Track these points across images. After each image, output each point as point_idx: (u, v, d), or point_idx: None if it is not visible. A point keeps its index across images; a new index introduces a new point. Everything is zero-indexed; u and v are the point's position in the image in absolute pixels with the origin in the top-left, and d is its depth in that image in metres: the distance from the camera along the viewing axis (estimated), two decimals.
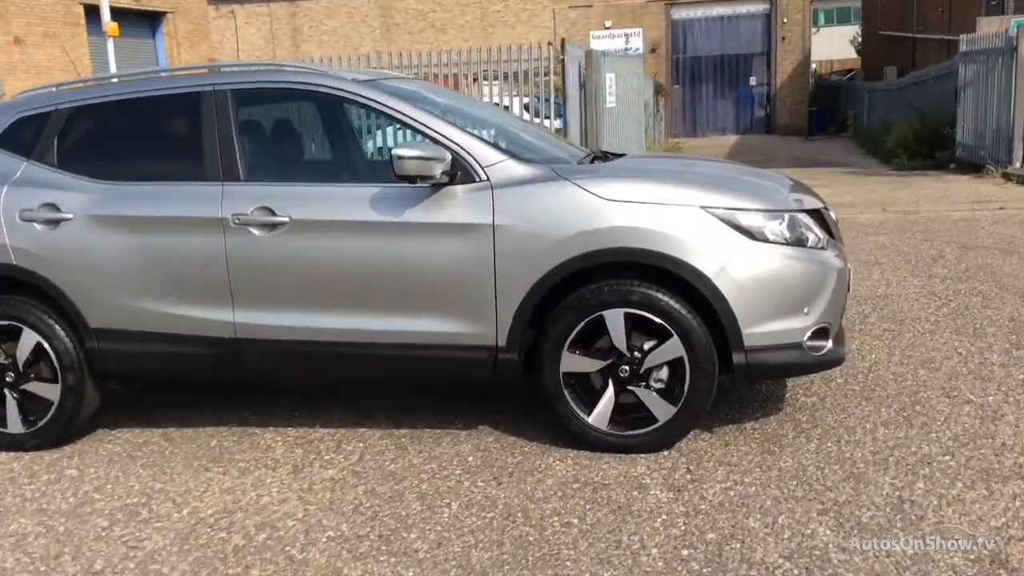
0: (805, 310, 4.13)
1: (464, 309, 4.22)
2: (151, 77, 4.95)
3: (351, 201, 4.28)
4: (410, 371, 4.46)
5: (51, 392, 4.66)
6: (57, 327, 4.60)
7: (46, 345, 4.62)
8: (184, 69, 4.98)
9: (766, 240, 4.10)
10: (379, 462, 4.31)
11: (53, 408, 4.66)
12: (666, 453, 4.20)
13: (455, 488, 3.98)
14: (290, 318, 4.39)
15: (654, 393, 4.16)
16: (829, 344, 4.25)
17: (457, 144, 4.24)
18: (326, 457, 4.41)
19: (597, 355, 4.18)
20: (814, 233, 4.27)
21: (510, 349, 4.21)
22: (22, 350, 4.65)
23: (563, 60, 15.83)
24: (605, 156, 5.34)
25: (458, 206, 4.19)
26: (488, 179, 4.20)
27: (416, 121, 4.34)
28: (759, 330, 4.07)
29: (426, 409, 4.89)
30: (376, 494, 3.97)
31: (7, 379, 4.68)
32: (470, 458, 4.29)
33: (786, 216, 4.19)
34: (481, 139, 4.35)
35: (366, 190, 4.26)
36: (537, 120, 15.94)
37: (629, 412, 4.20)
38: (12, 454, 4.69)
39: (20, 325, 4.63)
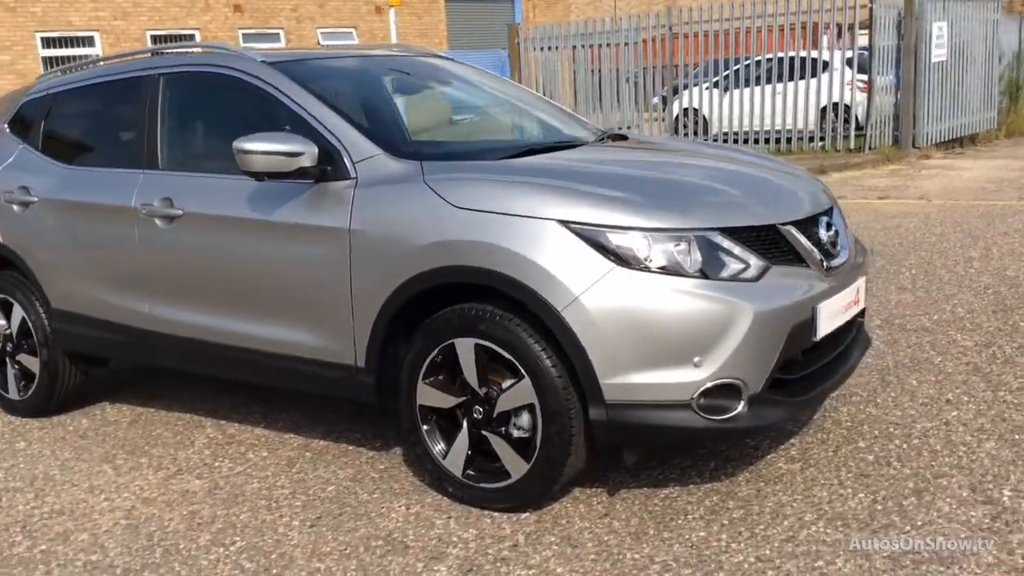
0: (695, 360, 3.16)
1: (325, 323, 3.78)
2: (113, 63, 4.95)
3: (235, 195, 3.98)
4: (289, 383, 4.10)
5: (34, 365, 4.90)
6: (36, 304, 4.80)
7: (28, 321, 4.84)
8: (136, 53, 4.94)
9: (642, 267, 3.18)
10: (245, 483, 4.01)
11: (35, 380, 4.89)
12: (525, 515, 3.47)
13: (269, 523, 3.59)
14: (187, 314, 4.22)
15: (506, 443, 3.44)
16: (740, 407, 3.24)
17: (334, 135, 3.76)
18: (220, 465, 4.22)
19: (453, 390, 3.53)
20: (736, 261, 3.26)
21: (368, 371, 3.69)
22: (14, 323, 4.94)
23: (870, 7, 13.97)
24: (603, 139, 4.54)
25: (320, 206, 3.74)
26: (356, 176, 3.68)
27: (297, 105, 3.90)
28: (625, 381, 3.20)
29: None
30: (198, 518, 3.70)
31: (8, 348, 4.99)
32: (327, 489, 3.86)
33: (688, 237, 3.22)
34: (364, 129, 3.80)
35: (248, 184, 3.91)
36: (862, 77, 14.32)
37: (488, 460, 3.53)
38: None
39: (12, 300, 4.89)
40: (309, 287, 3.79)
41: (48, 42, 17.58)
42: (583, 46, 16.06)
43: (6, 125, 5.06)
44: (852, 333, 3.90)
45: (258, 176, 3.69)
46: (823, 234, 3.58)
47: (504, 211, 3.33)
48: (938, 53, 14.47)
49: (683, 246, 3.22)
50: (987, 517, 3.25)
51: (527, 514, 3.48)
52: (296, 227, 3.78)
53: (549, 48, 16.34)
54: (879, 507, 3.37)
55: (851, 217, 9.41)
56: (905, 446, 3.87)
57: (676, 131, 15.89)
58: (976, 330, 5.36)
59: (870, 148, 14.00)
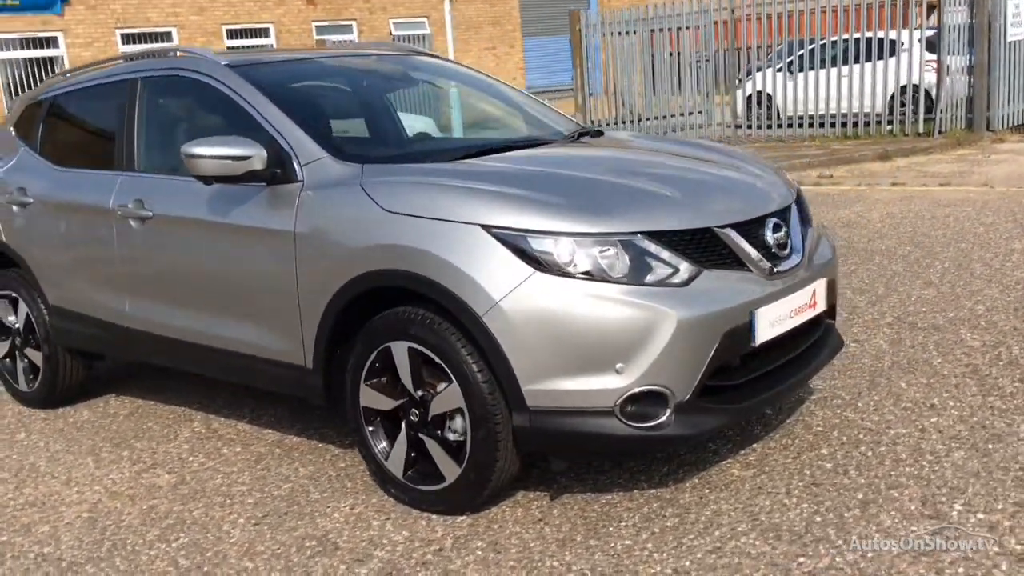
0: (618, 367, 3.12)
1: (277, 324, 3.84)
2: (103, 67, 5.08)
3: (198, 198, 4.05)
4: (250, 381, 4.19)
5: (38, 359, 5.10)
6: (38, 301, 5.00)
7: (32, 317, 5.05)
8: (111, 59, 5.06)
9: (563, 272, 3.14)
10: (210, 479, 4.11)
11: (40, 373, 5.10)
12: (461, 519, 3.48)
13: (217, 520, 3.68)
14: (158, 313, 4.35)
15: (439, 447, 3.45)
16: (666, 415, 3.18)
17: (284, 138, 3.81)
18: (192, 460, 4.33)
19: (392, 392, 3.55)
20: (664, 265, 3.20)
21: (316, 372, 3.74)
22: (20, 319, 5.14)
23: None
24: (574, 137, 4.49)
25: (269, 209, 3.80)
26: (302, 180, 3.72)
27: (253, 109, 3.95)
28: (547, 387, 3.17)
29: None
30: (167, 514, 3.81)
31: (16, 342, 5.21)
32: (283, 487, 3.92)
33: (613, 241, 3.17)
34: (312, 133, 3.83)
35: (210, 187, 3.98)
36: (932, 57, 13.77)
37: (426, 463, 3.54)
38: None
39: (18, 297, 5.10)
40: (262, 289, 3.85)
41: (127, 38, 18.19)
42: (650, 30, 15.82)
43: (12, 127, 5.26)
44: (812, 337, 3.78)
45: (207, 180, 3.76)
46: (769, 236, 3.48)
47: (430, 215, 3.32)
48: (1015, 32, 13.81)
49: (609, 250, 3.17)
50: (927, 533, 3.12)
51: (463, 517, 3.48)
52: (249, 230, 3.85)
53: (613, 33, 16.17)
54: (818, 519, 3.26)
55: (905, 206, 9.12)
56: (869, 454, 3.74)
57: (748, 115, 15.55)
58: (989, 329, 5.13)
59: (940, 132, 13.45)
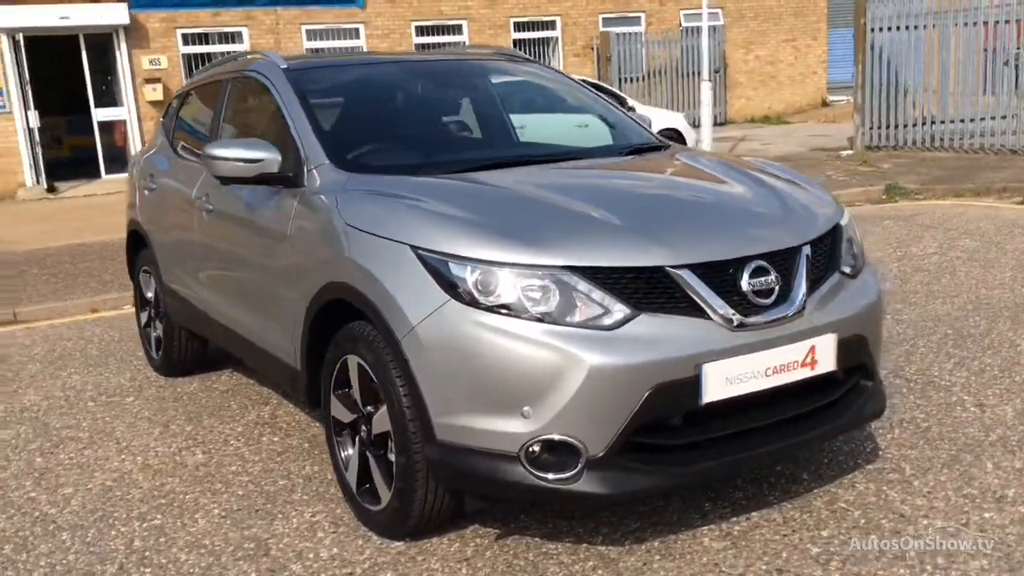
0: (524, 410, 2.89)
1: (280, 323, 3.94)
2: (221, 66, 5.35)
3: (238, 196, 4.24)
4: (271, 376, 4.32)
5: (160, 332, 5.59)
6: (160, 279, 5.47)
7: (157, 292, 5.54)
8: (225, 60, 5.31)
9: (475, 302, 2.95)
10: (229, 464, 4.29)
11: (161, 344, 5.59)
12: (396, 544, 3.40)
13: (197, 507, 3.83)
14: (216, 300, 4.60)
15: (377, 467, 3.39)
16: (575, 470, 2.91)
17: (303, 144, 3.88)
18: (233, 443, 4.54)
19: (351, 406, 3.52)
20: (592, 305, 2.92)
21: (302, 375, 3.80)
22: (148, 291, 5.66)
23: None
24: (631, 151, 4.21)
25: (277, 211, 3.90)
26: (305, 185, 3.78)
27: (288, 112, 4.03)
28: (455, 422, 3.01)
29: None
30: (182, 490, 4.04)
31: (150, 314, 5.74)
32: (278, 483, 4.02)
33: (539, 274, 2.93)
34: (325, 139, 3.86)
35: (249, 186, 4.14)
36: None
37: (371, 482, 3.48)
38: (121, 378, 5.75)
39: (150, 273, 5.62)
40: (270, 288, 3.96)
41: (421, 30, 19.25)
42: (953, 24, 14.24)
43: (162, 118, 5.76)
44: (815, 401, 3.27)
45: (224, 180, 3.91)
46: (745, 281, 3.04)
47: (373, 232, 3.25)
48: None
49: (534, 284, 2.93)
50: None
51: (400, 543, 3.38)
52: (263, 229, 3.97)
53: (904, 27, 14.73)
54: None
55: None
56: (872, 547, 3.19)
57: None
58: None
59: None
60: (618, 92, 14.75)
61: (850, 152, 14.94)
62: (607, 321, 2.90)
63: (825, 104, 24.74)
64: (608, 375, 2.84)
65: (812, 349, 3.13)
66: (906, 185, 11.42)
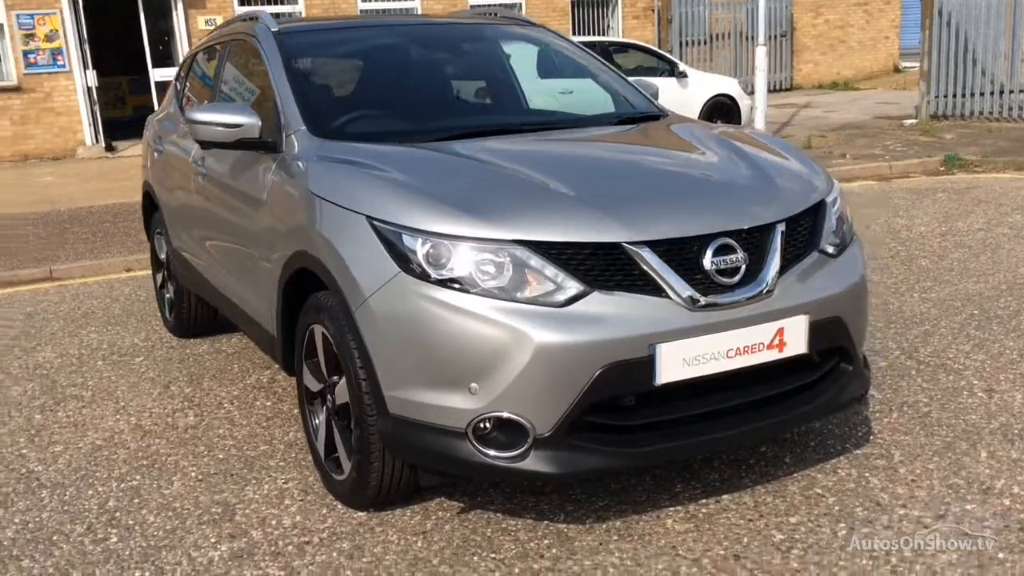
0: (472, 387, 2.84)
1: (259, 289, 3.93)
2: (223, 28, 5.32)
3: (225, 161, 4.23)
4: (255, 341, 4.33)
5: (171, 294, 5.66)
6: (170, 241, 5.52)
7: (168, 254, 5.60)
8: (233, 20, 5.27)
9: (424, 274, 2.90)
10: (217, 428, 4.33)
11: (172, 306, 5.66)
12: (359, 515, 3.39)
13: (176, 470, 3.87)
14: (211, 263, 4.62)
15: (340, 438, 3.37)
16: (523, 448, 2.85)
17: (283, 108, 3.84)
18: (226, 407, 4.58)
19: (319, 375, 3.51)
20: (544, 281, 2.85)
21: (278, 342, 3.80)
22: (161, 253, 5.72)
23: None
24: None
25: (256, 176, 3.89)
26: (283, 151, 3.75)
27: (272, 76, 3.99)
28: (405, 396, 2.97)
29: None
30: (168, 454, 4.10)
31: (164, 276, 5.81)
32: (259, 448, 4.05)
33: (491, 248, 2.87)
34: (304, 104, 3.81)
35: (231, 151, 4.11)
36: None
37: (336, 451, 3.47)
38: (136, 338, 5.83)
39: (162, 234, 5.68)
40: (251, 253, 3.94)
41: None
42: None
43: (175, 80, 5.79)
44: (786, 384, 3.15)
45: (204, 145, 3.89)
46: (708, 260, 2.93)
47: (334, 200, 3.21)
48: None
49: (487, 257, 2.86)
50: None
51: (362, 514, 3.37)
52: (244, 196, 3.96)
53: None
54: None
55: None
56: (837, 535, 3.08)
57: None
58: None
59: None
60: (668, 56, 14.43)
61: (914, 121, 14.45)
62: (558, 298, 2.82)
63: (897, 70, 23.95)
64: (555, 353, 2.77)
65: (780, 331, 3.01)
66: (966, 157, 10.99)
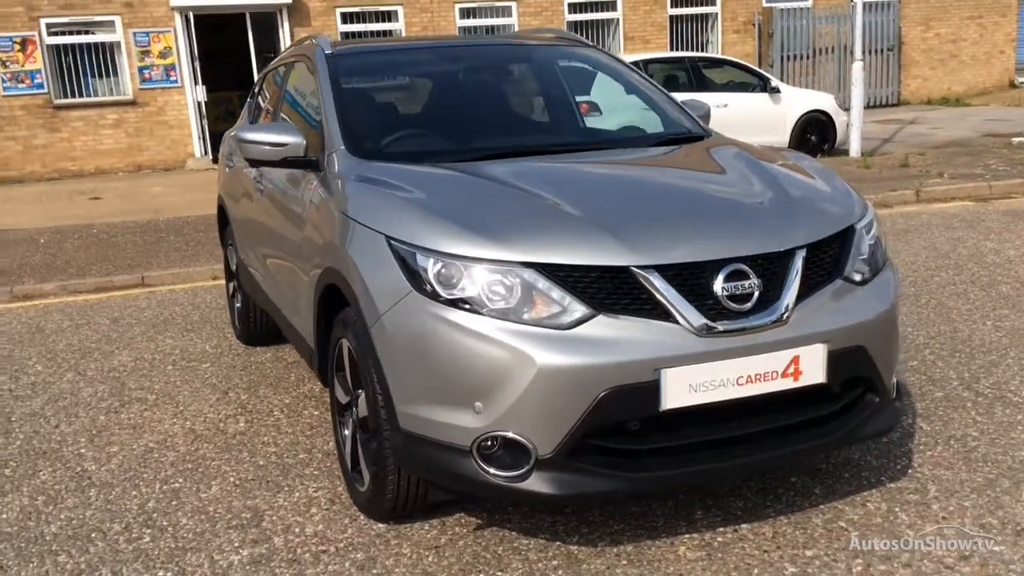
0: (477, 405, 2.89)
1: (300, 304, 4.06)
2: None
3: (280, 177, 4.39)
4: (301, 354, 4.44)
5: (240, 303, 5.87)
6: (237, 254, 5.73)
7: (236, 266, 5.82)
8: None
9: (436, 294, 2.96)
10: (264, 435, 4.48)
11: (240, 315, 5.88)
12: (378, 527, 3.47)
13: (216, 474, 4.02)
14: (269, 278, 4.77)
15: (362, 449, 3.46)
16: (525, 469, 2.88)
17: (328, 128, 3.97)
18: (275, 415, 4.72)
19: (347, 388, 3.60)
20: (550, 303, 2.87)
21: (316, 355, 3.92)
22: (232, 264, 5.94)
23: None
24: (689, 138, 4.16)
25: (300, 193, 4.02)
26: (324, 170, 3.88)
27: (321, 96, 4.13)
28: (416, 412, 3.04)
29: None
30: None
31: (234, 285, 6.03)
32: (298, 456, 4.16)
33: (500, 269, 2.91)
34: (345, 124, 3.91)
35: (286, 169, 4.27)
36: None
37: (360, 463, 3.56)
38: (208, 344, 6.05)
39: (232, 246, 5.90)
40: (295, 268, 4.08)
41: (574, 7, 19.12)
42: None
43: (250, 98, 6.00)
44: (802, 414, 3.10)
45: (253, 163, 4.05)
46: (718, 285, 2.90)
47: (358, 219, 3.30)
48: None
49: (497, 279, 2.91)
50: None
51: (382, 526, 3.44)
52: (290, 212, 4.10)
53: None
54: None
55: None
56: (855, 571, 3.00)
57: None
58: None
59: None
60: (760, 71, 14.20)
61: (1022, 140, 13.88)
62: (564, 320, 2.84)
63: (1013, 86, 22.99)
64: (557, 375, 2.78)
65: (796, 359, 2.96)
66: None
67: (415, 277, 2.98)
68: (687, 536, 3.26)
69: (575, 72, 4.88)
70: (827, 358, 3.00)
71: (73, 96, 16.47)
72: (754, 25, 20.39)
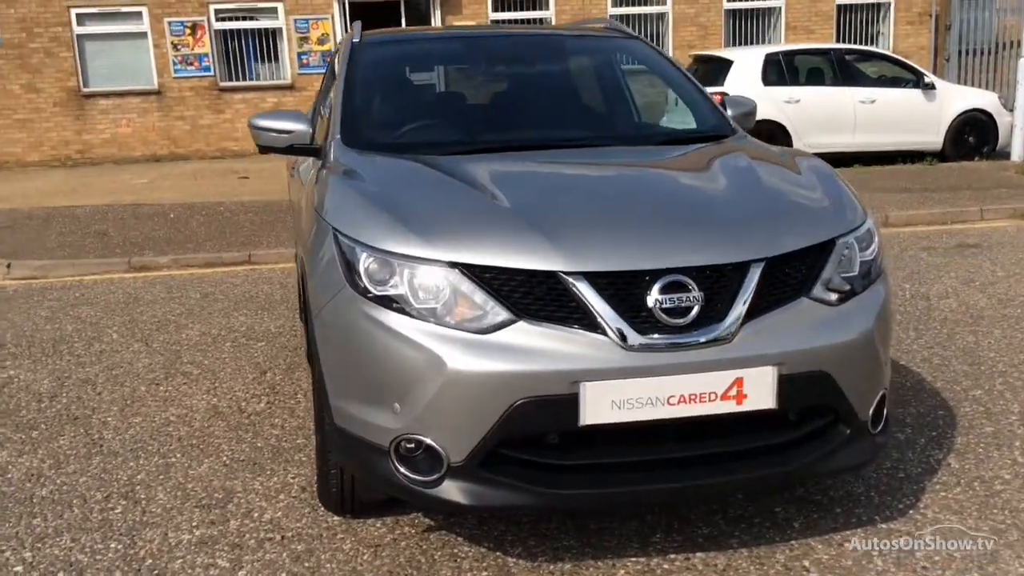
0: (395, 406, 2.83)
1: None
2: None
3: (302, 165, 4.45)
4: None
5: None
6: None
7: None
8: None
9: (365, 292, 2.90)
10: (274, 417, 4.55)
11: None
12: (333, 519, 3.46)
13: (219, 453, 4.11)
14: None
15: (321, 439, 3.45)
16: (438, 475, 2.80)
17: (332, 116, 3.99)
18: (297, 398, 4.76)
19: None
20: (471, 306, 2.77)
21: (305, 342, 3.95)
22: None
23: None
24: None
25: (305, 182, 4.05)
26: (322, 158, 3.89)
27: (338, 83, 4.14)
28: (346, 408, 3.00)
29: None
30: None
31: None
32: (296, 442, 4.19)
33: (431, 269, 2.82)
34: (345, 113, 3.91)
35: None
36: None
37: None
38: (273, 324, 6.12)
39: None
40: (298, 255, 4.11)
41: (732, 13, 18.55)
42: None
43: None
44: (752, 441, 2.86)
45: (262, 150, 4.10)
46: (653, 297, 2.71)
47: (318, 210, 3.28)
48: None
49: (427, 278, 2.82)
50: None
51: (336, 519, 3.43)
52: (297, 199, 4.13)
53: None
54: None
55: None
56: None
57: None
58: None
59: None
60: (914, 66, 13.27)
61: None
62: (483, 324, 2.72)
63: None
64: (469, 381, 2.68)
65: (739, 381, 2.73)
66: None
67: (351, 271, 2.93)
68: (633, 559, 3.08)
69: (610, 65, 4.68)
70: (777, 382, 2.75)
71: (237, 79, 17.31)
72: (930, 16, 19.11)
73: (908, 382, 4.63)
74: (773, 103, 11.49)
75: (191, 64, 17.15)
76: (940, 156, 12.54)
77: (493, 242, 2.82)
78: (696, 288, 2.72)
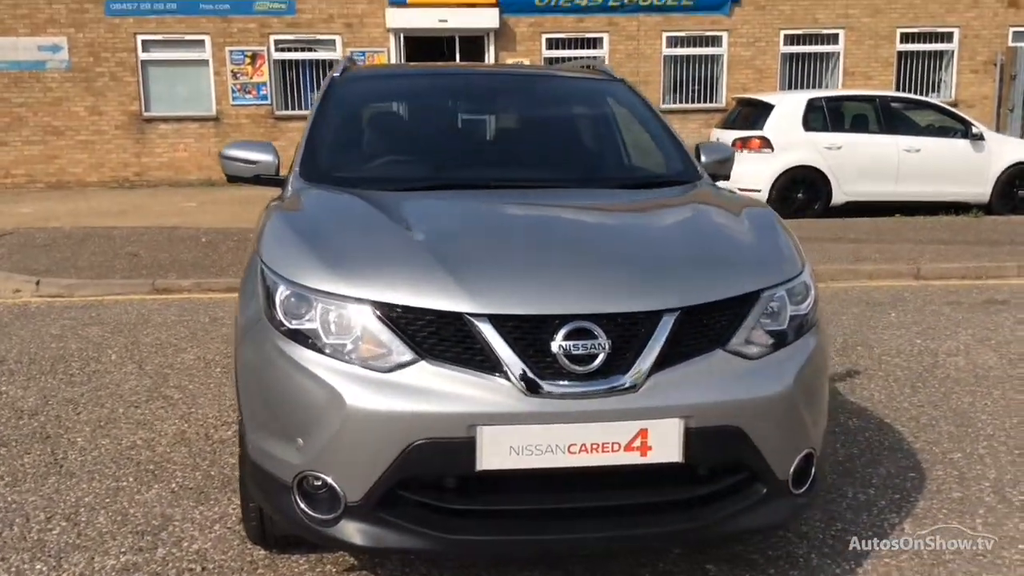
0: (299, 442, 2.81)
1: None
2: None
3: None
4: None
5: None
6: None
7: None
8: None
9: (279, 325, 2.89)
10: None
11: None
12: (257, 552, 3.45)
13: (194, 467, 4.14)
14: None
15: None
16: (335, 514, 2.76)
17: (298, 148, 4.03)
18: None
19: None
20: (376, 344, 2.75)
21: None
22: None
23: None
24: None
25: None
26: (283, 190, 3.92)
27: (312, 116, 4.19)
28: (258, 442, 2.98)
29: None
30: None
31: None
32: None
33: (341, 305, 2.81)
34: (308, 146, 3.94)
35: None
36: None
37: None
38: None
39: None
40: None
41: (791, 39, 18.33)
42: None
43: None
44: (657, 495, 2.77)
45: (230, 179, 4.14)
46: (557, 343, 2.65)
47: (256, 242, 3.29)
48: None
49: (337, 313, 2.81)
50: None
51: (261, 553, 3.41)
52: None
53: None
54: None
55: None
56: None
57: None
58: None
59: None
60: (964, 116, 12.94)
61: None
62: (385, 363, 2.70)
63: None
64: (365, 421, 2.65)
65: (643, 432, 2.65)
66: None
67: (270, 304, 2.92)
68: None
69: (591, 105, 4.63)
70: (684, 435, 2.66)
71: (292, 108, 17.65)
72: (995, 65, 18.72)
73: (887, 441, 4.47)
74: (813, 149, 11.28)
75: (249, 92, 17.56)
76: (987, 209, 12.20)
77: (403, 281, 2.79)
78: (603, 335, 2.65)
